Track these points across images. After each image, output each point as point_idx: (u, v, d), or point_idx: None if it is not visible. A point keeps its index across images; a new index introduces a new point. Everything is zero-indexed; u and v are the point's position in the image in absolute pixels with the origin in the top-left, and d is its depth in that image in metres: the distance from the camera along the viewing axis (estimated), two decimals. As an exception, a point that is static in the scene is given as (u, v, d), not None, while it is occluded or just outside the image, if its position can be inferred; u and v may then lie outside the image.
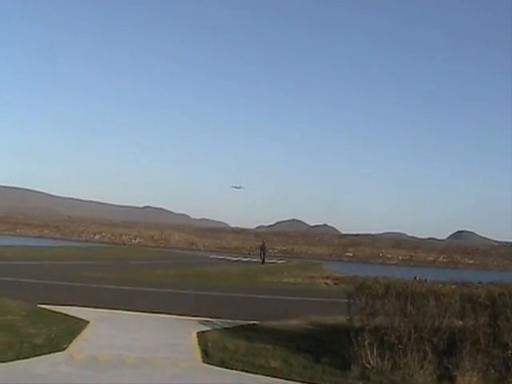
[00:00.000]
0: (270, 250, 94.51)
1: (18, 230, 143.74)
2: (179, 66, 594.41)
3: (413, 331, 12.03)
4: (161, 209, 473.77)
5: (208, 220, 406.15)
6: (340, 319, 15.51)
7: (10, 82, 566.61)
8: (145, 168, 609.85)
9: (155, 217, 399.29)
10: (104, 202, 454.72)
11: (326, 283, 37.68)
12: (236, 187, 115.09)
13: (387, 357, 11.98)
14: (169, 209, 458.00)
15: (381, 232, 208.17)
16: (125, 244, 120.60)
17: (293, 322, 17.38)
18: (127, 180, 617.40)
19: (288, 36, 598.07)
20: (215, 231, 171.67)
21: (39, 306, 17.60)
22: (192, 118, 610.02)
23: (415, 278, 21.70)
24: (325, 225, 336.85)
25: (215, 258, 68.40)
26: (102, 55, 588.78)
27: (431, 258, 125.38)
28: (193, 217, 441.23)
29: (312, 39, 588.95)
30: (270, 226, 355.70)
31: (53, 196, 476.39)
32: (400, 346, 11.97)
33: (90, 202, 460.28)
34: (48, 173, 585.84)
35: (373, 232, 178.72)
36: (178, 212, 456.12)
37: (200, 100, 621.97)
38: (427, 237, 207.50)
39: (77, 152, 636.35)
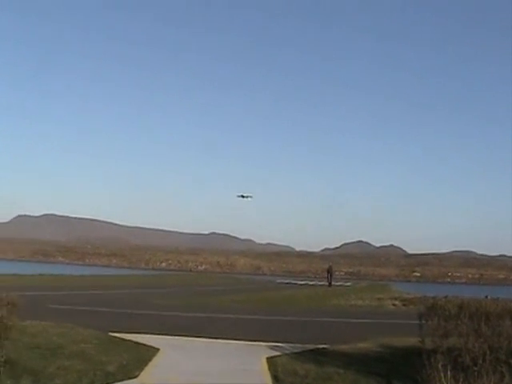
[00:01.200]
0: (337, 273, 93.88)
1: (87, 260, 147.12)
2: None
3: (488, 352, 11.67)
4: (226, 235, 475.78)
5: (273, 244, 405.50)
6: (411, 341, 15.19)
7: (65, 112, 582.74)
8: (209, 195, 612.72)
9: (221, 243, 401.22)
10: (170, 229, 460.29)
11: (394, 304, 37.08)
12: (243, 196, 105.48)
13: (461, 379, 11.64)
14: (234, 235, 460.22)
15: (449, 251, 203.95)
16: (191, 271, 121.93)
17: (363, 345, 17.12)
18: (193, 207, 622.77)
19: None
20: (281, 255, 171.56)
21: (110, 334, 17.84)
22: (249, 143, 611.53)
23: (486, 296, 21.16)
24: (391, 245, 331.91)
25: (281, 283, 68.28)
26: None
27: (502, 276, 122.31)
28: (258, 242, 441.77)
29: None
30: (336, 248, 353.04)
31: (120, 225, 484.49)
32: (475, 368, 11.63)
33: (157, 230, 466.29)
34: (115, 202, 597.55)
35: (440, 251, 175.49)
36: (243, 237, 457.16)
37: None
38: (497, 254, 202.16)
39: (141, 181, 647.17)
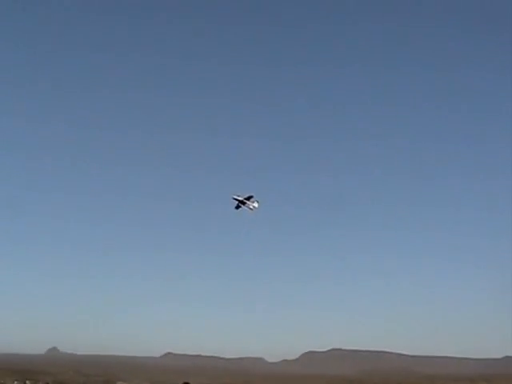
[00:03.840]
0: None
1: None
2: None
3: None
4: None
5: None
6: None
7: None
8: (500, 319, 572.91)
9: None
10: (459, 356, 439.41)
11: None
12: (242, 202, 59.88)
13: None
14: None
15: None
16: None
17: None
18: (483, 330, 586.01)
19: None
20: None
21: None
22: None
23: None
24: None
25: None
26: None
27: None
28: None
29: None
30: None
31: (407, 355, 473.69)
32: None
33: (445, 357, 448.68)
34: (401, 332, 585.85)
35: None
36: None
37: None
38: None
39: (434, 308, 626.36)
